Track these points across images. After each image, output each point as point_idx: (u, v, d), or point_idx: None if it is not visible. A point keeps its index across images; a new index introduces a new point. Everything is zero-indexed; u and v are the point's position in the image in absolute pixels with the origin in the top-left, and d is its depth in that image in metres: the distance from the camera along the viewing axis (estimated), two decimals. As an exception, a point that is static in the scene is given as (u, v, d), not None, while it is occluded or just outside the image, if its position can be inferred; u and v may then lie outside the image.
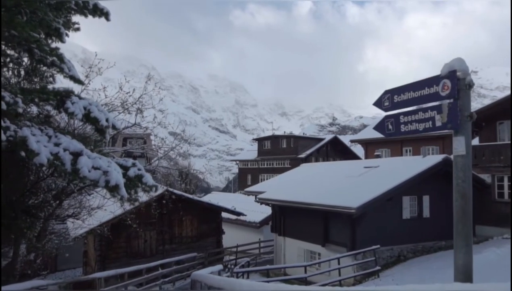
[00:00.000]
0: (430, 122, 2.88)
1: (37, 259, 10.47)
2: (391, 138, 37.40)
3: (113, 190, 6.74)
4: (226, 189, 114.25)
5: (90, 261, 19.80)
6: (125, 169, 7.77)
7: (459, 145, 2.58)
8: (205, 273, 6.79)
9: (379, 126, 3.42)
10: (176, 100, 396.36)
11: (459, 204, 2.52)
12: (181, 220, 19.98)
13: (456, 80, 2.73)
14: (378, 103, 3.39)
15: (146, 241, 18.87)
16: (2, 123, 6.48)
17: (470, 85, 2.66)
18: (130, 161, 8.07)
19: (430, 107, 2.90)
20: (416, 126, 3.01)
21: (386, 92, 3.33)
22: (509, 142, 16.80)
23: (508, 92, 17.84)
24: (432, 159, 16.93)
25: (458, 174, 2.58)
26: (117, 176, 6.81)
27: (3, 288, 6.65)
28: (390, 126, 3.23)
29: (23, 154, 6.42)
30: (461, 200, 2.51)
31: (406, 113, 3.16)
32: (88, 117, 7.81)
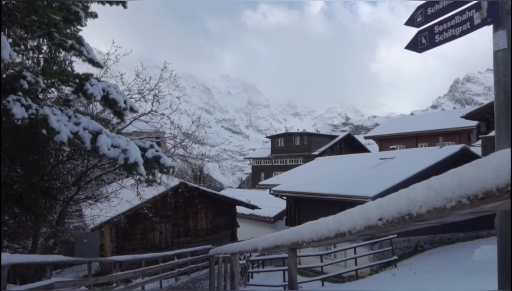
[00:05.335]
0: (468, 23, 2.81)
1: (56, 245, 10.63)
2: (406, 134, 36.99)
3: (132, 167, 6.78)
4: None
5: (106, 254, 20.02)
6: (143, 150, 7.82)
7: (499, 40, 2.51)
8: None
9: (411, 44, 3.30)
10: (189, 101, 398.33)
11: (502, 99, 2.44)
12: (196, 212, 20.07)
13: None
14: (411, 21, 3.28)
15: (162, 233, 19.01)
16: (24, 102, 6.60)
17: (512, -24, 2.56)
18: (147, 143, 8.12)
19: (468, 8, 2.83)
20: (453, 32, 2.93)
21: (419, 7, 3.23)
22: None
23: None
24: (449, 149, 16.67)
25: (499, 69, 2.51)
26: (135, 154, 6.85)
27: (28, 256, 6.79)
28: (423, 40, 3.13)
29: (44, 131, 6.51)
30: (504, 95, 2.43)
31: (440, 23, 3.07)
32: (106, 99, 7.87)
